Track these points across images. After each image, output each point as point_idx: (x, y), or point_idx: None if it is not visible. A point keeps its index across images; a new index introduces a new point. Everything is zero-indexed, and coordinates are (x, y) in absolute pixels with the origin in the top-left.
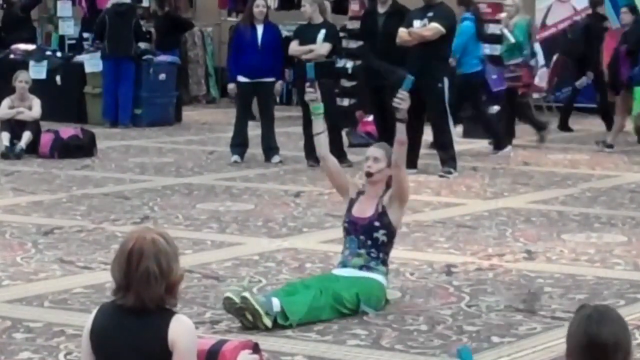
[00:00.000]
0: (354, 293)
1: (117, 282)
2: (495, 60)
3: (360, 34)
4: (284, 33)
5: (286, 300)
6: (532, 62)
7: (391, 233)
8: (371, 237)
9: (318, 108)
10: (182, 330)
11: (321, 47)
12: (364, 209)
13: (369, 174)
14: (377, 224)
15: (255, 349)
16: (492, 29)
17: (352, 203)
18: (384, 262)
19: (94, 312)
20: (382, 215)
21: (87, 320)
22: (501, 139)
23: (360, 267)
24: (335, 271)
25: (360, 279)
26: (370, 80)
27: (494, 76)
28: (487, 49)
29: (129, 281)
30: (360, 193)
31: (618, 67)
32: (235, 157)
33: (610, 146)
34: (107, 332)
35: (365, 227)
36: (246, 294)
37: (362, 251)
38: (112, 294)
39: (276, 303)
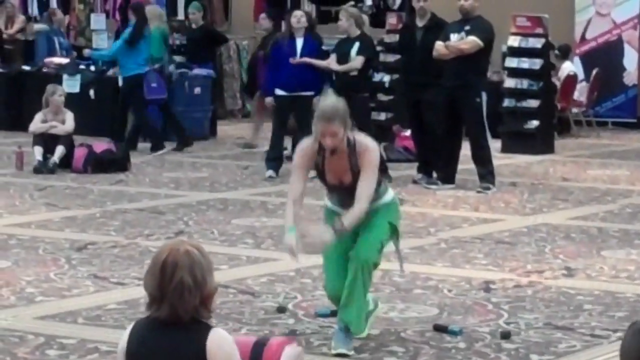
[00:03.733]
0: (379, 230)
1: (151, 295)
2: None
3: (398, 48)
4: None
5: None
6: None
7: (378, 180)
8: None
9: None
10: (221, 342)
11: (355, 60)
12: (340, 177)
13: (333, 151)
14: None
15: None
16: (532, 42)
17: (321, 175)
18: (379, 184)
19: (129, 328)
20: (359, 175)
21: (121, 337)
22: (159, 139)
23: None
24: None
25: (371, 220)
26: (409, 94)
27: (154, 84)
28: (527, 63)
29: (162, 293)
30: (322, 159)
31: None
32: (270, 172)
33: None
34: (143, 347)
35: (349, 189)
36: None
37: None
38: (146, 308)
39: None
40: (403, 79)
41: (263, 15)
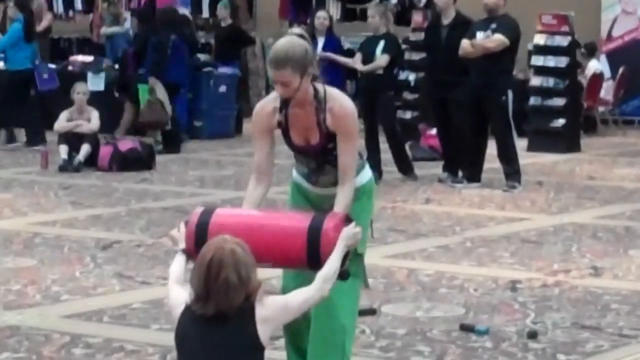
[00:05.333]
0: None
1: (197, 293)
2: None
3: (424, 46)
4: (346, 45)
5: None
6: None
7: None
8: (332, 155)
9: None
10: (268, 309)
11: (379, 59)
12: (306, 135)
13: (287, 100)
14: (331, 145)
15: (348, 220)
16: (558, 40)
17: (284, 134)
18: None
19: (179, 312)
20: (331, 134)
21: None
22: (38, 133)
23: (334, 184)
24: (310, 189)
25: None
26: (434, 92)
27: (45, 75)
28: (553, 61)
29: (208, 292)
30: (285, 118)
31: None
32: None
33: None
34: (191, 343)
35: (318, 152)
36: None
37: (327, 167)
38: (191, 304)
39: None
40: (429, 78)
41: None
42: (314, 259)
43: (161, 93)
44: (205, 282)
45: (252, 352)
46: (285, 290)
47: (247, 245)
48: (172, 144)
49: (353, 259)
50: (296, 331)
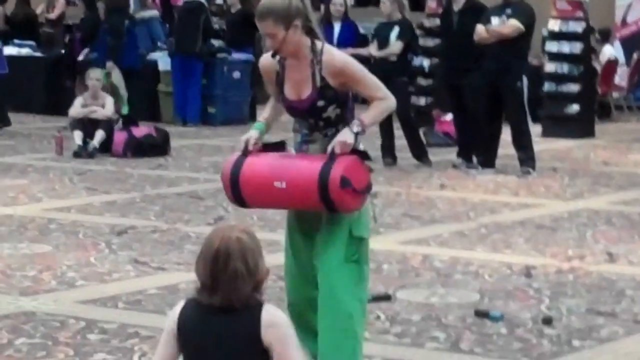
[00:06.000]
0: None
1: (203, 282)
2: None
3: (440, 32)
4: (360, 30)
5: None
6: None
7: (343, 101)
8: (321, 117)
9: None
10: (275, 318)
11: (393, 45)
12: (299, 90)
13: (275, 53)
14: (321, 103)
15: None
16: (572, 26)
17: (280, 88)
18: (348, 111)
19: (177, 309)
20: (323, 89)
21: (169, 316)
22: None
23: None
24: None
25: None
26: (449, 78)
27: None
28: (567, 47)
29: (215, 282)
30: (281, 69)
31: None
32: None
33: None
34: (195, 333)
35: (309, 110)
36: None
37: (317, 135)
38: (196, 293)
39: None
40: (443, 64)
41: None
42: (328, 204)
43: (116, 78)
44: (212, 273)
45: (255, 346)
46: (292, 305)
47: (253, 232)
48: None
49: (357, 244)
50: (301, 312)
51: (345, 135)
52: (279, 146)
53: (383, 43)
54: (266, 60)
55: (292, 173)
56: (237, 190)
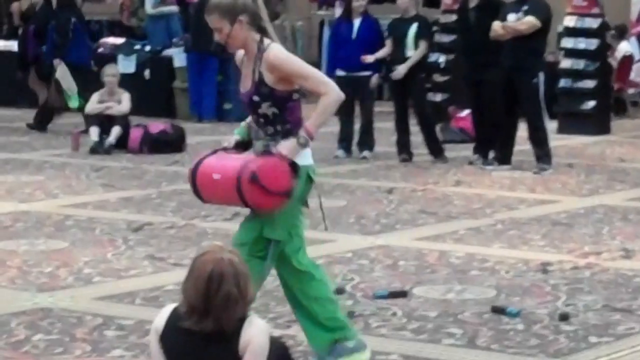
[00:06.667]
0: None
1: (192, 306)
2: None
3: (457, 28)
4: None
5: None
6: None
7: (280, 100)
8: (258, 113)
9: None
10: (255, 332)
11: (420, 47)
12: (245, 84)
13: (223, 46)
14: (256, 98)
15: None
16: (588, 22)
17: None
18: (288, 134)
19: (166, 313)
20: (259, 85)
21: (157, 318)
22: None
23: (263, 152)
24: None
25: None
26: (470, 74)
27: None
28: (583, 43)
29: (208, 307)
30: (241, 63)
31: None
32: (340, 152)
33: None
34: (180, 355)
35: (248, 104)
36: None
37: (260, 132)
38: (184, 316)
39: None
40: (463, 60)
41: None
42: (241, 197)
43: (60, 73)
44: (205, 297)
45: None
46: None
47: (238, 253)
48: (42, 122)
49: (266, 243)
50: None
51: (287, 147)
52: (248, 145)
53: (400, 40)
54: (238, 55)
55: (227, 166)
56: (195, 184)
